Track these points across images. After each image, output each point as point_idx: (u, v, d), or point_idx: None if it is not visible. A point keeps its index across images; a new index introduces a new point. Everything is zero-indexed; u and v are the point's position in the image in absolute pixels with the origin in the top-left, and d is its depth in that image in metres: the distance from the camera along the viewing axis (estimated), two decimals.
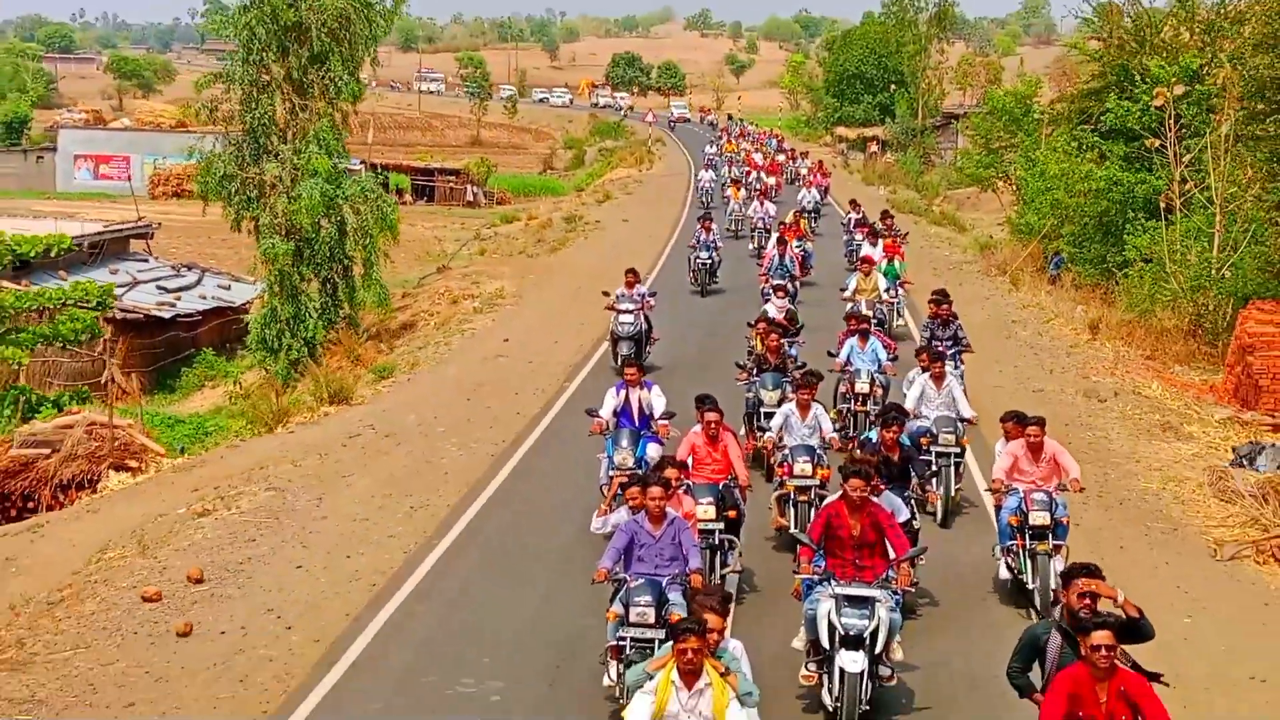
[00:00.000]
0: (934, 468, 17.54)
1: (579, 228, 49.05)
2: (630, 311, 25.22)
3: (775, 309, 24.94)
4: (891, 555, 12.46)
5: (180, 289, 40.06)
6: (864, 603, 11.90)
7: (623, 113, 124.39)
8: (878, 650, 11.88)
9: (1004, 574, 14.97)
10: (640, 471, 15.00)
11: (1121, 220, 36.12)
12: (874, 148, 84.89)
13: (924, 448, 17.61)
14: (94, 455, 22.41)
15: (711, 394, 15.88)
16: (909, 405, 18.48)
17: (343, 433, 21.93)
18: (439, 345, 29.48)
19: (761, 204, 42.19)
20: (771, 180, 53.29)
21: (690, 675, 9.28)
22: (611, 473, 16.46)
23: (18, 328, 27.12)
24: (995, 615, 14.64)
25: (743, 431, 19.15)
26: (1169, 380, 27.15)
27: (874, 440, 15.87)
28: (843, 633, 11.75)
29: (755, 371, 20.32)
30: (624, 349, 24.85)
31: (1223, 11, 36.14)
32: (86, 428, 22.74)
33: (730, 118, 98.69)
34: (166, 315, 36.74)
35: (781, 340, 20.97)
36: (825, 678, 11.99)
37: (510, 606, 14.50)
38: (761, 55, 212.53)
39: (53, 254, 35.93)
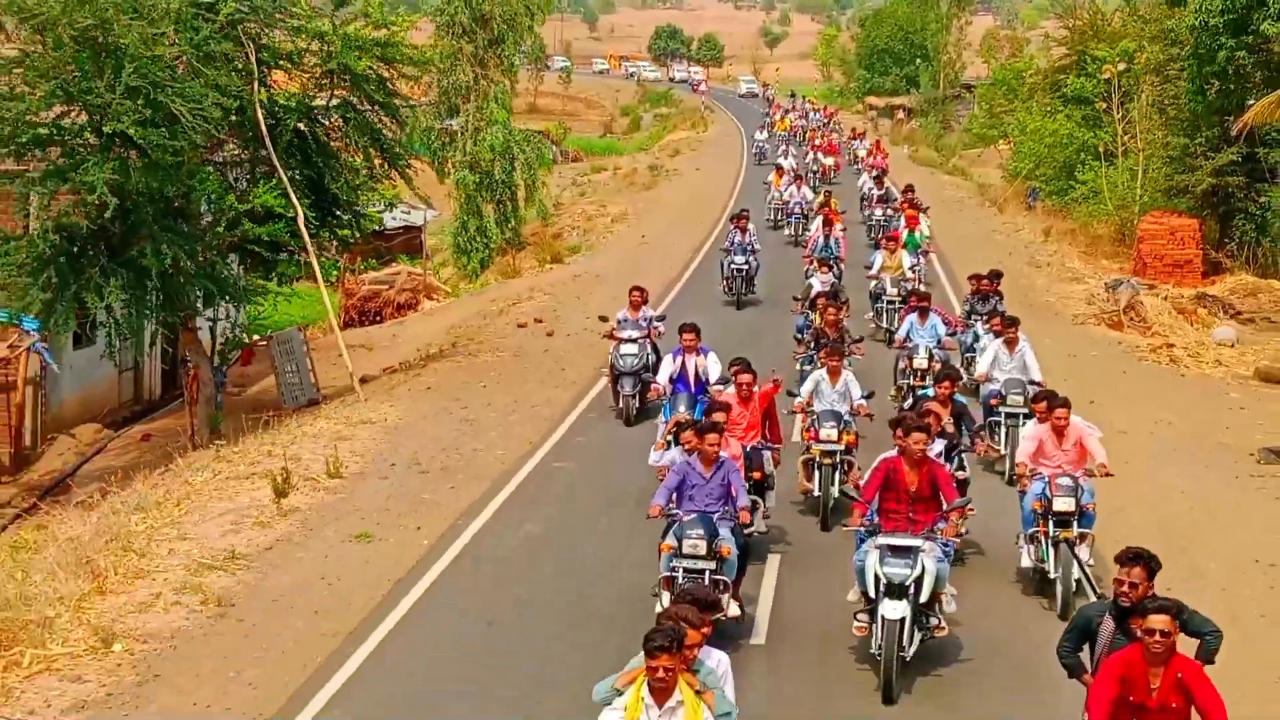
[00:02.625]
0: (1003, 427, 19.51)
1: (662, 174, 64.33)
2: (634, 340, 22.56)
3: (820, 283, 26.57)
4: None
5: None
6: (907, 552, 12.62)
7: (692, 86, 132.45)
8: (922, 599, 12.58)
9: (1026, 562, 15.28)
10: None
11: (1077, 163, 51.21)
12: (900, 114, 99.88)
13: (994, 408, 19.79)
14: (414, 290, 37.93)
15: (746, 357, 17.41)
16: (981, 369, 20.73)
17: (567, 276, 37.48)
18: (599, 239, 44.97)
19: (799, 189, 42.83)
20: (830, 161, 55.46)
21: (662, 693, 8.70)
22: (669, 437, 17.00)
23: None
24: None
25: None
26: (1090, 262, 42.39)
27: (929, 396, 17.33)
28: (885, 582, 12.48)
29: (813, 345, 21.60)
30: (626, 387, 22.40)
31: (1141, 13, 51.16)
32: (407, 274, 38.28)
33: (793, 94, 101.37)
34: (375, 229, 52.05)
35: (840, 315, 22.20)
36: (874, 627, 12.73)
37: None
38: (794, 27, 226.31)
39: None
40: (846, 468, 17.68)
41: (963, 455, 16.99)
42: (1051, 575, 14.79)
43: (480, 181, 49.37)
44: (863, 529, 13.18)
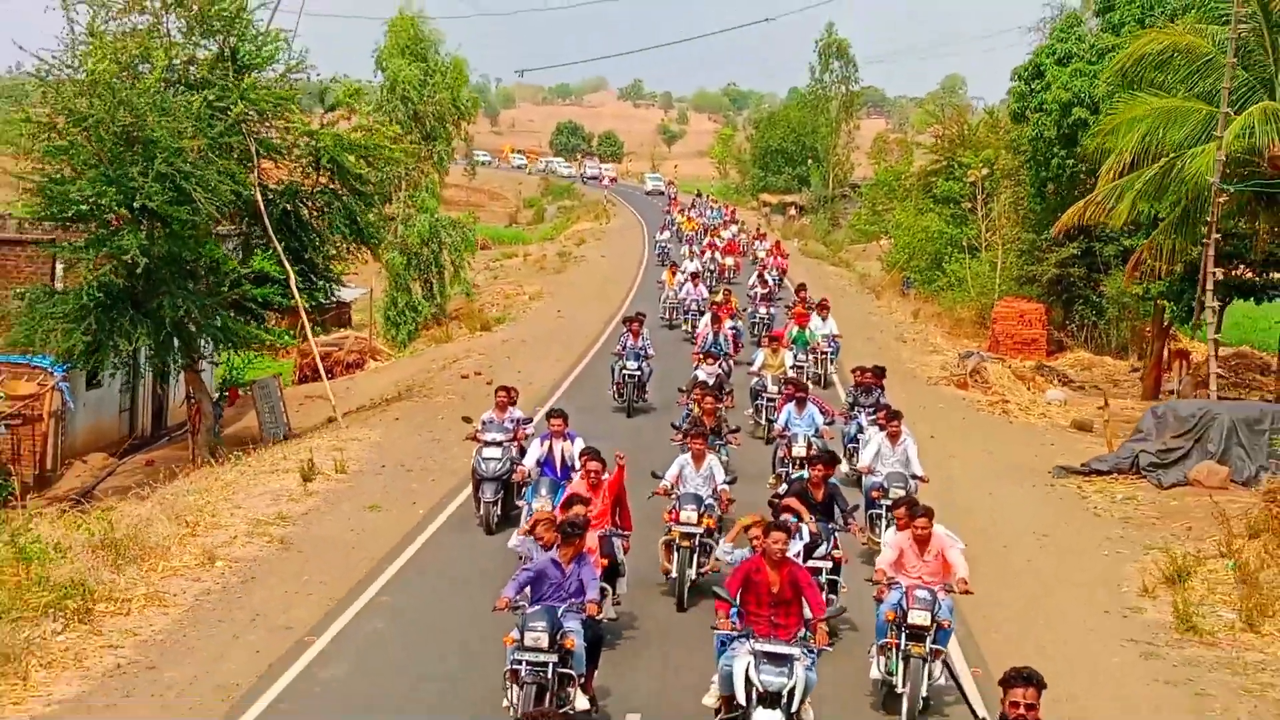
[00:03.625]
0: (883, 520, 19.84)
1: (570, 260, 71.03)
2: (499, 444, 21.94)
3: (705, 374, 28.02)
4: (808, 614, 13.19)
5: None
6: (783, 660, 12.57)
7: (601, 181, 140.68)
8: (794, 709, 12.51)
9: (875, 674, 14.95)
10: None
11: (945, 255, 58.59)
12: (792, 211, 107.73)
13: (875, 500, 20.42)
14: (360, 351, 44.00)
15: (596, 447, 18.08)
16: (864, 462, 21.41)
17: (496, 341, 43.82)
18: (520, 313, 51.39)
19: (696, 286, 44.34)
20: (730, 261, 56.95)
21: None
22: (529, 502, 19.07)
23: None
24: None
25: None
26: (953, 340, 49.46)
27: (804, 478, 18.32)
28: (761, 690, 12.36)
29: (690, 433, 21.24)
30: (487, 493, 21.74)
31: (1001, 124, 58.98)
32: (354, 338, 44.35)
33: (699, 194, 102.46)
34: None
35: (717, 404, 23.35)
36: None
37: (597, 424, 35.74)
38: (691, 126, 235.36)
39: None
40: (706, 551, 18.43)
41: (836, 535, 17.58)
42: (899, 690, 14.45)
43: (409, 262, 55.68)
44: (733, 632, 13.17)
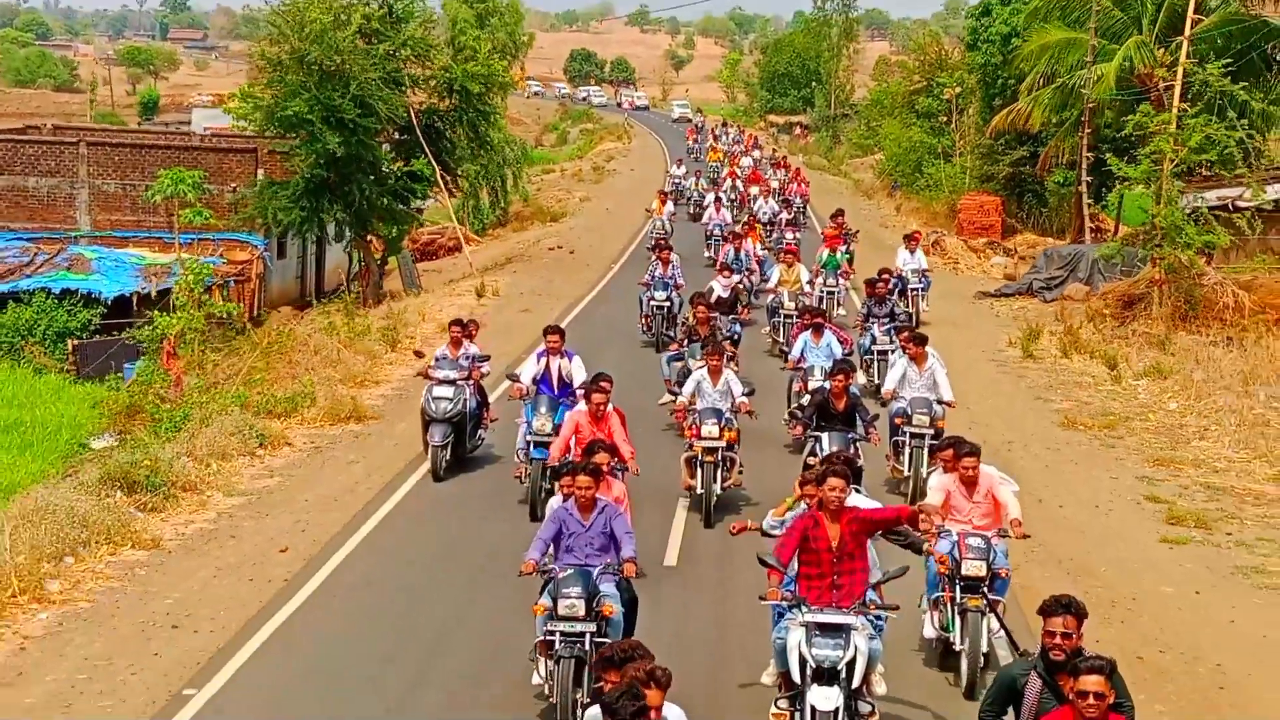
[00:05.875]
0: (908, 448, 20.06)
1: (605, 172, 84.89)
2: (450, 382, 21.05)
3: (721, 287, 28.44)
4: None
5: None
6: (838, 631, 11.77)
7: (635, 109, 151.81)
8: (855, 684, 11.75)
9: (929, 632, 14.37)
10: (569, 458, 15.46)
11: (925, 161, 72.34)
12: (798, 131, 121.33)
13: (899, 427, 20.31)
14: (457, 238, 57.98)
15: (607, 372, 18.51)
16: (889, 387, 21.04)
17: (565, 229, 57.90)
18: (575, 210, 65.37)
19: (718, 211, 46.56)
20: (754, 190, 56.63)
21: None
22: (529, 437, 18.88)
23: None
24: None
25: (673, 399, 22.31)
26: (925, 228, 63.32)
27: (825, 388, 19.27)
28: (814, 665, 11.63)
29: (686, 342, 23.06)
30: (435, 436, 20.82)
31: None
32: (452, 228, 58.33)
33: (725, 123, 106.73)
34: None
35: (711, 313, 23.52)
36: (797, 716, 11.80)
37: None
38: (699, 50, 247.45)
39: None
40: (729, 464, 19.09)
41: (857, 444, 17.98)
42: (957, 647, 13.93)
43: (477, 173, 69.49)
44: (784, 603, 12.17)
